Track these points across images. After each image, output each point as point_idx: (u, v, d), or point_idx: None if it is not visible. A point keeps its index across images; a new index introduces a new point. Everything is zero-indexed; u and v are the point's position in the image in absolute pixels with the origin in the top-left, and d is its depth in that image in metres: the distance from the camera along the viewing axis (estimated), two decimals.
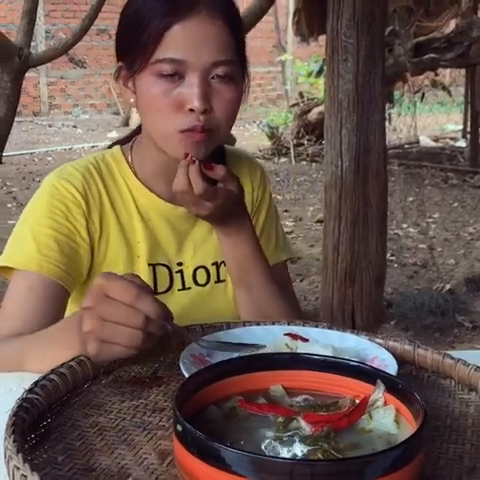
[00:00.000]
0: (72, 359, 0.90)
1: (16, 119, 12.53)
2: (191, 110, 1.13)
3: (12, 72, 3.38)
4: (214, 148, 1.24)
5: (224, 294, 1.35)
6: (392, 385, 0.72)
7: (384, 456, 0.61)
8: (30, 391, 0.80)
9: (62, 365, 0.88)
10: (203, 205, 1.14)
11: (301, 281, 4.43)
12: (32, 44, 9.34)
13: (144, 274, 1.26)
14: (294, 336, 0.95)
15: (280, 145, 9.66)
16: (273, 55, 15.21)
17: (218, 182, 1.15)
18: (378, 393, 0.72)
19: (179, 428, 0.63)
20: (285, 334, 0.95)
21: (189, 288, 1.32)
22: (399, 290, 4.26)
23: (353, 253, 2.51)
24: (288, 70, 15.03)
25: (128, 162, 1.31)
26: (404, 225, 6.05)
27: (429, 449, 0.77)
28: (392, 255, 5.02)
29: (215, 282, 1.35)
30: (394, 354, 0.97)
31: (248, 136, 11.54)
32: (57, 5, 13.04)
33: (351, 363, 0.76)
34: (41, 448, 0.75)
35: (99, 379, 0.92)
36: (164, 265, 1.30)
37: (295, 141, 9.39)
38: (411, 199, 7.12)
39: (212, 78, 1.15)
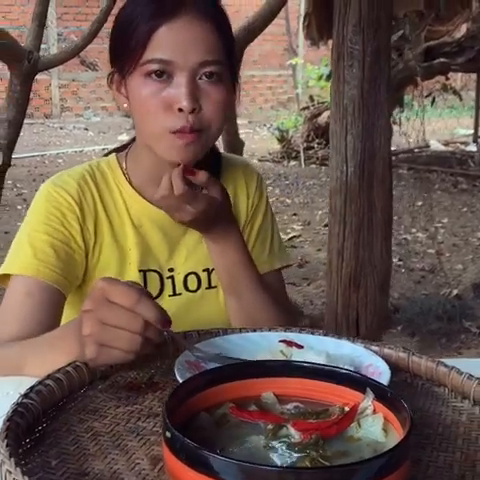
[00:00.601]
0: (68, 364, 0.91)
1: (28, 121, 12.61)
2: (180, 110, 1.15)
3: (21, 75, 3.39)
4: (206, 150, 1.25)
5: (215, 300, 1.35)
6: (381, 393, 0.73)
7: (369, 464, 0.61)
8: (25, 396, 0.81)
9: (58, 370, 0.89)
10: (185, 209, 1.15)
11: (308, 285, 4.43)
12: (44, 47, 9.37)
13: (135, 280, 1.26)
14: (289, 343, 0.96)
15: (290, 148, 9.66)
16: (284, 58, 15.22)
17: (203, 189, 1.16)
18: (367, 401, 0.73)
19: (168, 434, 0.64)
20: (280, 341, 0.96)
21: (180, 294, 1.33)
22: (406, 295, 4.25)
23: (358, 258, 2.52)
24: (299, 73, 15.05)
25: (122, 169, 1.33)
26: (413, 230, 6.03)
27: (419, 457, 0.78)
28: (400, 260, 5.01)
29: (206, 288, 1.36)
30: (389, 361, 0.97)
31: (258, 139, 11.55)
32: (69, 8, 13.10)
33: (341, 371, 0.77)
34: (35, 452, 0.76)
35: (95, 384, 0.93)
36: (155, 271, 1.32)
37: (305, 144, 9.39)
38: (420, 204, 7.10)
39: (200, 78, 1.16)
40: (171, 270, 1.33)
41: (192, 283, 1.35)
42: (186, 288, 1.34)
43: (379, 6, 2.39)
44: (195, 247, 1.35)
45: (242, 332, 1.04)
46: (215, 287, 1.36)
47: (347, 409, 0.74)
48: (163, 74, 1.15)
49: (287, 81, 16.20)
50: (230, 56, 1.22)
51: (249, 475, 0.60)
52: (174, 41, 1.15)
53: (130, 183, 1.32)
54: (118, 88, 1.24)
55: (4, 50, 3.35)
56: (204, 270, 1.35)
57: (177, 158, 1.19)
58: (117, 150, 1.41)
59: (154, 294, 1.29)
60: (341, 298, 2.57)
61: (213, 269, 1.34)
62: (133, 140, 1.36)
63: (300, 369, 0.79)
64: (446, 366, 0.93)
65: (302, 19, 7.93)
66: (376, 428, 0.70)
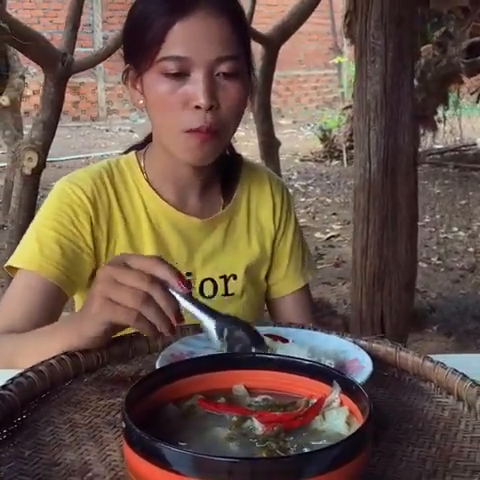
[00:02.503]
0: (53, 357, 0.92)
1: (74, 124, 12.88)
2: (197, 107, 1.14)
3: (55, 77, 3.45)
4: (222, 149, 1.24)
5: (231, 308, 1.32)
6: (347, 386, 0.72)
7: (323, 454, 0.61)
8: (3, 387, 0.82)
9: (42, 363, 0.90)
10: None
11: (342, 285, 4.40)
12: (90, 50, 9.49)
13: None
14: (274, 337, 0.95)
15: (332, 148, 9.61)
16: (329, 58, 15.15)
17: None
18: (334, 394, 0.72)
19: (124, 425, 0.65)
20: (265, 335, 0.96)
21: None
22: (443, 295, 4.19)
23: (382, 256, 2.49)
24: (344, 72, 14.96)
25: (141, 168, 1.31)
26: (454, 228, 5.94)
27: (393, 452, 0.77)
28: (439, 259, 4.95)
29: (222, 295, 1.33)
30: (377, 356, 0.96)
31: (302, 139, 11.51)
32: (114, 11, 13.26)
33: (310, 364, 0.76)
34: (11, 443, 0.77)
35: (81, 377, 0.94)
36: None
37: (347, 144, 9.31)
38: (463, 202, 6.99)
39: (217, 75, 1.15)
40: (189, 274, 1.30)
41: (208, 289, 1.32)
42: (201, 294, 1.32)
43: (401, 1, 2.36)
44: (213, 253, 1.33)
45: None
46: (232, 295, 1.34)
47: (313, 402, 0.73)
48: (180, 71, 1.14)
49: (332, 80, 16.11)
50: (246, 51, 1.21)
51: (202, 466, 0.60)
52: (190, 37, 1.14)
53: (148, 182, 1.30)
54: (133, 85, 1.23)
55: (39, 53, 3.42)
56: (221, 277, 1.33)
57: (191, 159, 1.20)
58: (137, 147, 1.39)
59: None
60: (365, 297, 2.55)
61: (231, 276, 1.33)
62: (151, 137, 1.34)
63: (269, 362, 0.78)
64: (432, 361, 0.92)
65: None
66: (340, 421, 0.70)
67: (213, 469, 0.60)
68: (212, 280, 1.32)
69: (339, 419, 0.70)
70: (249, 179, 1.39)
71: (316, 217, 6.37)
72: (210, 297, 1.32)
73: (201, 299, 1.28)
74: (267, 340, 0.95)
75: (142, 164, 1.32)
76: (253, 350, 0.87)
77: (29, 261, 1.21)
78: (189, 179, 1.29)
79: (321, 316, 3.64)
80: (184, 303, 0.89)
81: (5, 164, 6.30)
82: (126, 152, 1.39)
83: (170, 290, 0.88)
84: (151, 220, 1.29)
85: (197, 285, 1.31)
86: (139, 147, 1.38)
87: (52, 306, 1.20)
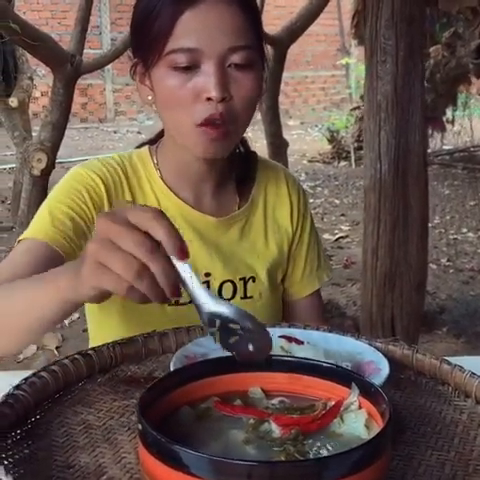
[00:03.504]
0: (66, 357, 0.91)
1: (82, 126, 12.90)
2: (209, 99, 1.09)
3: (64, 79, 3.45)
4: (235, 144, 1.20)
5: (250, 311, 1.26)
6: (366, 389, 0.71)
7: (342, 458, 0.60)
8: (17, 387, 0.81)
9: (55, 363, 0.89)
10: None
11: (352, 286, 4.38)
12: (99, 52, 9.48)
13: None
14: (289, 338, 0.94)
15: (340, 149, 9.59)
16: (337, 59, 15.13)
17: None
18: (353, 396, 0.71)
19: (140, 427, 0.64)
20: (280, 336, 0.95)
21: None
22: (453, 296, 4.17)
23: (392, 257, 2.47)
24: (352, 73, 14.94)
25: (154, 164, 1.27)
26: (463, 230, 5.92)
27: (412, 455, 0.76)
28: (448, 260, 4.92)
29: (241, 298, 1.27)
30: (393, 358, 0.95)
31: (309, 140, 11.50)
32: (122, 13, 13.27)
33: (328, 366, 0.76)
34: (25, 443, 0.77)
35: (94, 377, 0.93)
36: None
37: (355, 144, 9.29)
38: (473, 203, 6.97)
39: (229, 66, 1.10)
40: (208, 275, 1.25)
41: (227, 291, 1.27)
42: (220, 296, 1.25)
43: (412, 0, 2.35)
44: (232, 253, 1.28)
45: None
46: (251, 297, 1.28)
47: (331, 404, 0.72)
48: (190, 63, 1.09)
49: (340, 81, 16.10)
50: (259, 40, 1.15)
51: (220, 469, 0.59)
52: (199, 27, 1.08)
53: (162, 179, 1.26)
54: (142, 80, 1.18)
55: (48, 54, 3.42)
56: (241, 279, 1.28)
57: (204, 153, 1.15)
58: (150, 143, 1.33)
59: (187, 299, 1.20)
60: (376, 298, 2.53)
61: (250, 278, 1.28)
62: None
63: (286, 364, 0.77)
64: (449, 364, 0.90)
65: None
66: (359, 424, 0.69)
67: (232, 472, 0.59)
68: (232, 282, 1.27)
69: (358, 422, 0.69)
70: (266, 178, 1.35)
71: (324, 218, 6.36)
72: (229, 300, 1.26)
73: None
74: (282, 342, 0.94)
75: (155, 160, 1.27)
76: (250, 347, 0.76)
77: (38, 231, 1.14)
78: (203, 175, 1.25)
79: (331, 317, 3.62)
80: (183, 275, 0.76)
81: (14, 165, 6.31)
82: (139, 147, 1.35)
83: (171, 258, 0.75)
84: None
85: (216, 287, 1.26)
86: (151, 143, 1.33)
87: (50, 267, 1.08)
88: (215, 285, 1.26)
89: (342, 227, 6.06)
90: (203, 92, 1.09)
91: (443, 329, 3.68)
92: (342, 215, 6.51)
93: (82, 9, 3.52)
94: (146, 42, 1.12)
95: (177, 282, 0.76)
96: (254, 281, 1.29)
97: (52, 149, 3.50)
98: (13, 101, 5.53)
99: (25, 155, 3.61)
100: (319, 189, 7.85)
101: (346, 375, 0.74)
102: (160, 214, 0.77)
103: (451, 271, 4.73)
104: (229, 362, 0.78)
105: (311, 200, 6.99)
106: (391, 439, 0.65)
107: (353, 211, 6.71)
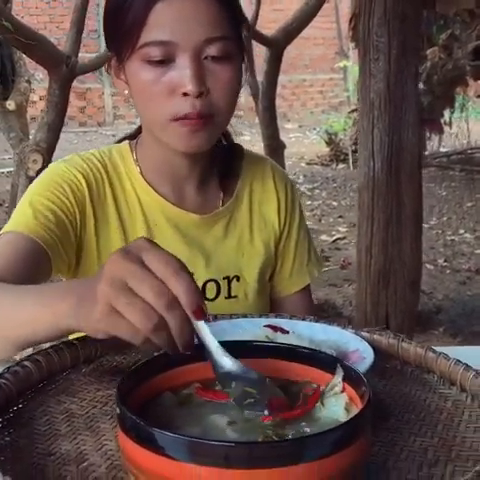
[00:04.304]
0: (50, 346, 0.90)
1: (81, 129, 12.92)
2: (185, 94, 1.05)
3: (60, 80, 3.45)
4: (216, 137, 1.16)
5: (234, 311, 1.17)
6: (347, 373, 0.71)
7: (320, 438, 0.59)
8: (0, 376, 0.81)
9: (39, 352, 0.89)
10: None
11: (348, 286, 4.39)
12: (97, 55, 9.52)
13: None
14: (274, 328, 0.94)
15: (338, 151, 9.61)
16: (335, 62, 15.15)
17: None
18: (337, 378, 0.71)
19: (118, 410, 0.63)
20: (265, 326, 0.94)
21: None
22: (450, 296, 4.17)
23: (386, 255, 2.47)
24: (350, 76, 14.96)
25: (134, 159, 1.24)
26: (461, 231, 5.92)
27: (395, 441, 0.76)
28: (445, 261, 4.93)
29: (225, 298, 1.25)
30: (379, 348, 0.95)
31: (308, 143, 11.50)
32: None
33: (310, 352, 0.75)
34: (6, 431, 0.76)
35: (79, 368, 0.92)
36: None
37: (353, 147, 9.30)
38: (470, 204, 6.97)
39: (205, 58, 1.06)
40: None
41: (211, 291, 1.24)
42: (203, 296, 1.19)
43: None
44: (215, 252, 1.25)
45: (232, 318, 1.03)
46: (235, 297, 1.26)
47: (314, 385, 0.72)
48: (164, 56, 1.05)
49: (338, 84, 16.11)
50: (237, 30, 1.11)
51: (197, 451, 0.59)
52: (173, 18, 1.04)
53: (142, 175, 1.23)
54: (117, 74, 1.15)
55: (43, 55, 3.42)
56: (224, 278, 1.25)
57: (183, 147, 1.11)
58: (130, 137, 1.30)
59: None
60: (370, 296, 2.53)
61: (234, 277, 1.25)
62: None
63: (269, 350, 0.77)
64: (435, 352, 0.90)
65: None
66: (339, 408, 0.68)
67: (209, 454, 0.58)
68: (216, 281, 1.24)
69: (338, 406, 0.69)
70: (251, 172, 1.31)
71: (322, 220, 6.36)
72: (212, 299, 1.24)
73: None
74: (267, 331, 0.94)
75: (134, 156, 1.24)
76: (266, 412, 0.69)
77: (19, 224, 1.11)
78: (184, 170, 1.21)
79: (327, 317, 3.62)
80: (200, 333, 0.73)
81: (12, 169, 6.31)
82: (119, 142, 1.31)
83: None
84: (146, 215, 1.22)
85: (199, 286, 1.21)
86: (131, 138, 1.30)
87: (33, 261, 1.06)
88: (198, 285, 1.22)
89: (339, 229, 6.07)
90: (179, 87, 1.06)
91: (440, 329, 3.68)
92: (340, 217, 6.51)
93: (77, 10, 3.53)
94: (119, 34, 1.09)
95: (193, 339, 0.72)
96: (238, 280, 1.26)
97: (48, 150, 3.50)
98: (11, 104, 5.53)
99: (21, 156, 3.61)
100: (317, 191, 7.85)
101: (327, 360, 0.74)
102: (181, 268, 0.71)
103: (448, 272, 4.74)
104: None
105: (309, 202, 6.99)
106: (370, 422, 0.64)
107: (351, 213, 6.71)
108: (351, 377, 0.70)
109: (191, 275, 0.72)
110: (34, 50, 3.32)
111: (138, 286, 0.69)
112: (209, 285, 1.24)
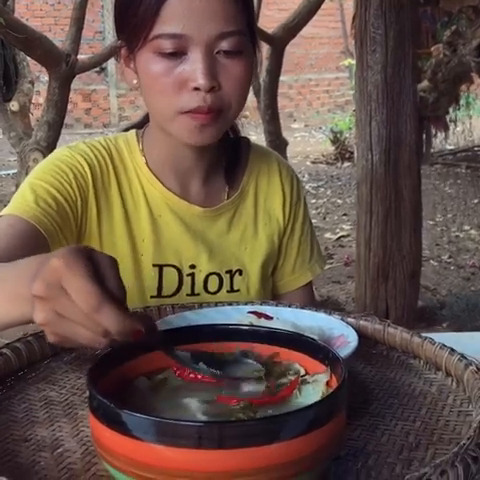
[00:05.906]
0: (30, 334, 0.89)
1: (87, 131, 12.92)
2: (196, 89, 1.04)
3: (59, 78, 3.45)
4: (224, 131, 1.15)
5: None
6: (325, 355, 0.69)
7: (293, 416, 0.58)
8: None
9: (18, 340, 0.88)
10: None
11: (351, 283, 4.36)
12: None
13: (147, 275, 1.18)
14: (259, 314, 0.93)
15: (344, 150, 9.58)
16: (341, 61, 15.12)
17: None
18: (326, 374, 0.70)
19: (88, 393, 0.62)
20: (249, 312, 0.93)
21: (198, 294, 1.21)
22: (453, 292, 4.15)
23: (385, 248, 2.45)
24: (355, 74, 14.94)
25: (140, 150, 1.22)
26: (466, 227, 5.90)
27: (376, 425, 0.74)
28: (450, 257, 4.91)
29: (227, 291, 1.24)
30: (366, 334, 0.94)
31: (313, 142, 11.48)
32: None
33: (285, 333, 0.74)
34: None
35: (61, 356, 0.91)
36: (173, 266, 1.20)
37: None
38: (476, 201, 6.95)
39: (218, 53, 1.05)
40: (193, 267, 1.21)
41: (213, 284, 1.23)
42: (205, 289, 1.22)
43: None
44: (219, 245, 1.24)
45: (218, 306, 1.01)
46: (237, 291, 1.24)
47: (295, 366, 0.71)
48: (176, 50, 1.04)
49: (344, 83, 16.08)
50: (250, 26, 1.10)
51: (166, 432, 0.57)
52: (186, 12, 1.02)
53: (148, 166, 1.21)
54: (126, 63, 1.13)
55: (43, 54, 3.42)
56: (227, 272, 1.24)
57: (190, 140, 1.10)
58: (138, 126, 1.28)
59: (170, 292, 1.20)
60: (369, 290, 2.51)
61: (236, 271, 1.25)
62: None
63: (246, 333, 0.76)
64: (420, 337, 0.89)
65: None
66: (316, 396, 0.67)
67: (178, 434, 0.57)
68: (218, 275, 1.23)
69: (315, 394, 0.67)
70: (257, 166, 1.30)
71: (327, 218, 6.34)
72: (214, 293, 1.23)
73: (205, 295, 1.22)
74: (251, 317, 0.93)
75: (141, 146, 1.22)
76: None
77: (20, 208, 1.08)
78: (190, 163, 1.21)
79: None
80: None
81: (16, 171, 6.32)
82: (125, 130, 1.28)
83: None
84: (150, 207, 1.20)
85: (202, 279, 1.22)
86: (138, 127, 1.27)
87: (31, 245, 1.03)
88: (200, 277, 1.22)
89: (344, 226, 6.05)
90: (190, 81, 1.04)
91: (443, 325, 3.65)
92: (344, 215, 6.49)
93: (77, 8, 3.52)
94: (131, 25, 1.07)
95: (135, 324, 0.67)
96: (241, 274, 1.25)
97: (48, 149, 3.49)
98: (14, 105, 5.55)
99: (22, 155, 3.61)
100: (322, 190, 7.83)
101: (307, 343, 0.72)
102: (100, 303, 0.65)
103: (452, 268, 4.72)
104: (188, 333, 0.77)
105: (313, 200, 6.97)
106: (346, 402, 0.63)
107: (355, 211, 6.68)
108: (329, 359, 0.69)
109: (118, 300, 0.66)
110: (34, 48, 3.32)
111: (72, 316, 0.66)
112: (211, 278, 1.23)
